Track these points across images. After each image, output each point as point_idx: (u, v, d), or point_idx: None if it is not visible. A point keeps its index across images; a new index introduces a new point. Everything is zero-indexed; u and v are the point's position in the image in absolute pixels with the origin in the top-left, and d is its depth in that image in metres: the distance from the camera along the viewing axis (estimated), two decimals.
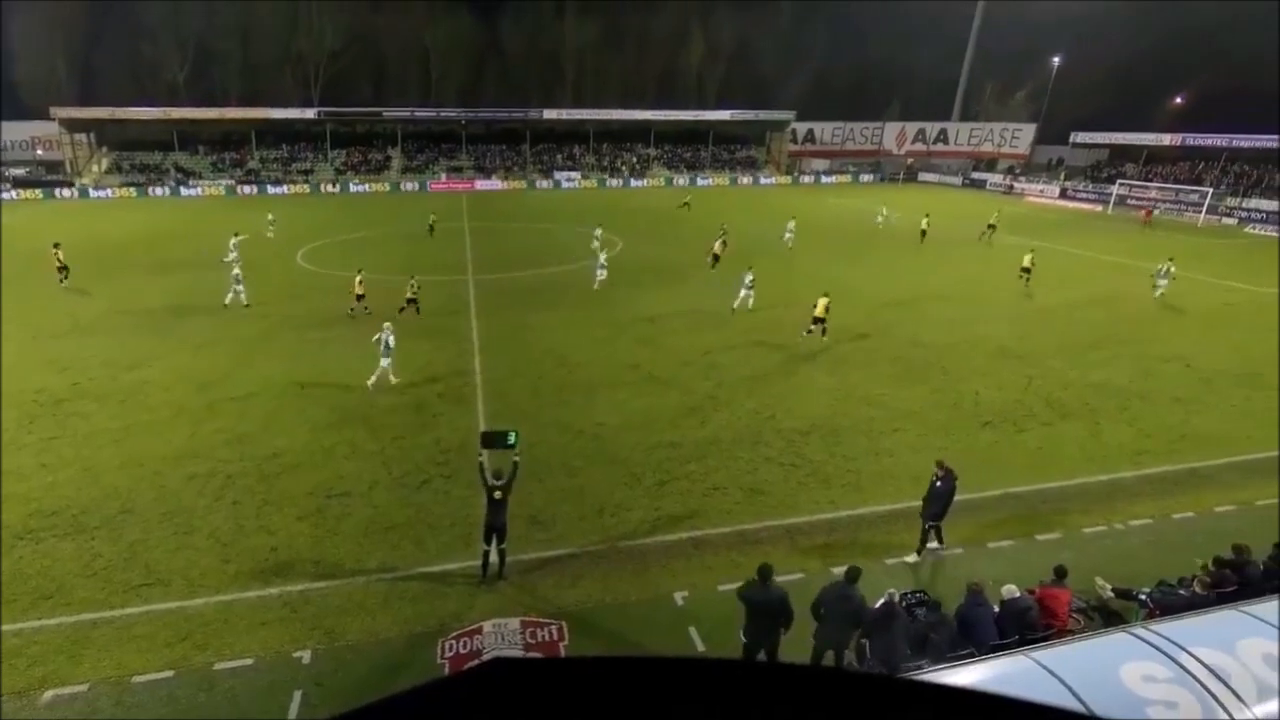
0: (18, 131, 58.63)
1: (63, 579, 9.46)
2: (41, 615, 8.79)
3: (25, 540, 10.25)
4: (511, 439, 9.10)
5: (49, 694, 7.67)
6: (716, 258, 28.54)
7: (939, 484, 9.86)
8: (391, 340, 15.75)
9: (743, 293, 22.11)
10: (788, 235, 33.15)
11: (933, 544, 10.26)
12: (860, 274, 28.22)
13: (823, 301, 19.51)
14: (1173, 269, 24.87)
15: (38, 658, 8.13)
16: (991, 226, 36.17)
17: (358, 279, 21.21)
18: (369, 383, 15.81)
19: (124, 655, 8.21)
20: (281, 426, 14.14)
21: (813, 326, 19.57)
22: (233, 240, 27.82)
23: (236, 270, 22.93)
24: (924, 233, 35.43)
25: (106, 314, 22.08)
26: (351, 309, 21.19)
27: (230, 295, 22.32)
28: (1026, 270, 26.24)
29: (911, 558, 10.11)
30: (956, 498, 9.92)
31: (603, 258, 26.15)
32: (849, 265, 30.04)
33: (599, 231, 31.80)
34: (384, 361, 15.75)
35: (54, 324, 20.87)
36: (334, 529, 10.73)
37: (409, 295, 21.04)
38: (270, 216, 37.06)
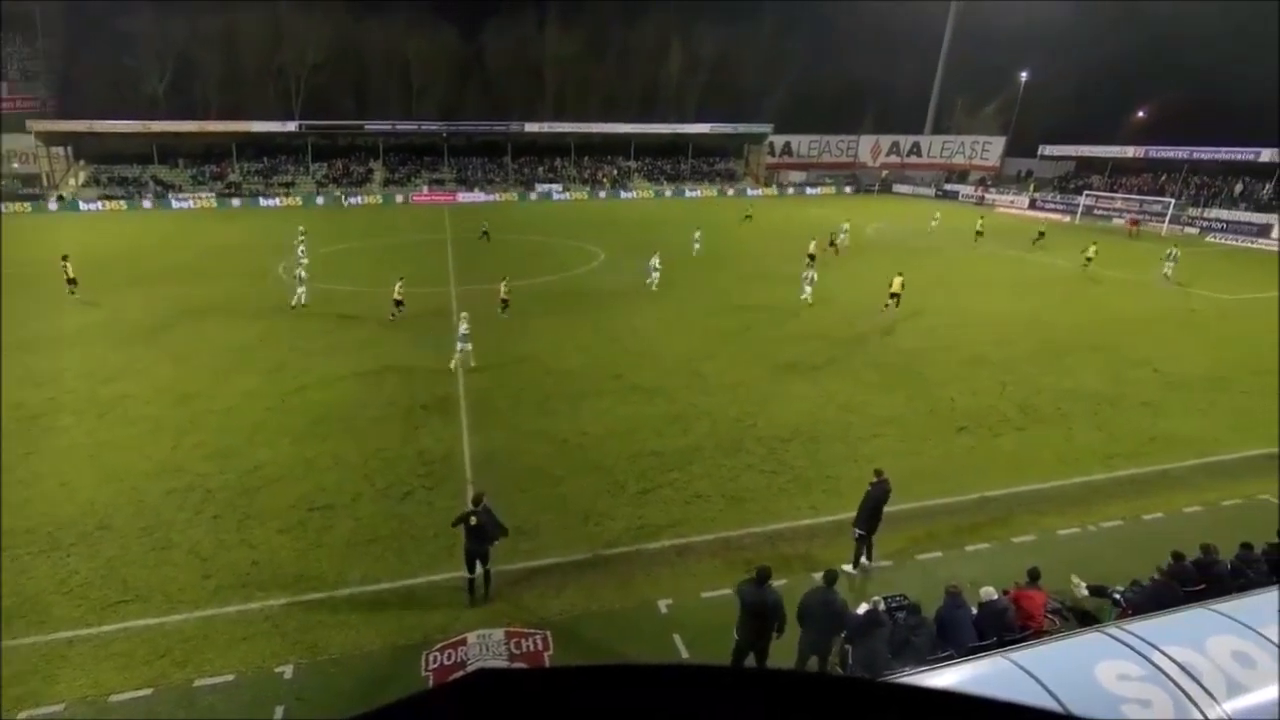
0: None
1: (38, 597, 9.29)
2: (16, 634, 8.62)
3: None
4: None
5: (23, 715, 7.53)
6: (813, 257, 29.81)
7: (870, 488, 9.85)
8: (466, 329, 17.61)
9: (807, 289, 24.68)
10: (842, 237, 36.02)
11: (846, 566, 9.88)
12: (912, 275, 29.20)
13: (898, 280, 22.77)
14: (1177, 253, 30.31)
15: (12, 678, 7.97)
16: (1041, 234, 39.51)
17: (398, 286, 22.59)
18: (450, 366, 17.64)
19: (101, 673, 8.08)
20: (263, 439, 14.00)
21: (889, 301, 22.80)
22: (300, 248, 29.95)
23: (301, 272, 24.69)
24: (979, 233, 39.27)
25: (92, 325, 21.85)
26: (392, 314, 22.35)
27: (295, 297, 23.80)
28: (1089, 259, 31.49)
29: (864, 562, 10.06)
30: (945, 500, 10.02)
31: (655, 260, 27.15)
32: (910, 266, 30.84)
33: (698, 234, 34.95)
34: (464, 346, 17.65)
35: (38, 335, 20.56)
36: (316, 542, 10.64)
37: (503, 296, 23.04)
38: (301, 228, 35.99)
